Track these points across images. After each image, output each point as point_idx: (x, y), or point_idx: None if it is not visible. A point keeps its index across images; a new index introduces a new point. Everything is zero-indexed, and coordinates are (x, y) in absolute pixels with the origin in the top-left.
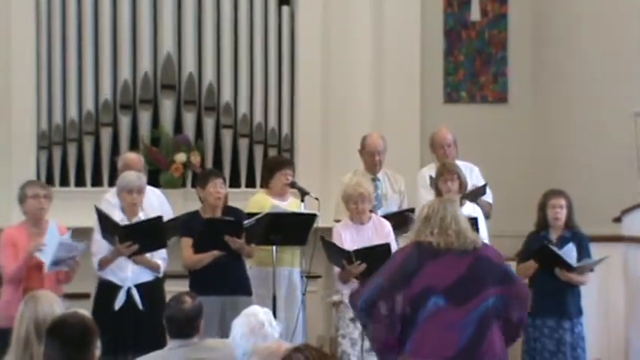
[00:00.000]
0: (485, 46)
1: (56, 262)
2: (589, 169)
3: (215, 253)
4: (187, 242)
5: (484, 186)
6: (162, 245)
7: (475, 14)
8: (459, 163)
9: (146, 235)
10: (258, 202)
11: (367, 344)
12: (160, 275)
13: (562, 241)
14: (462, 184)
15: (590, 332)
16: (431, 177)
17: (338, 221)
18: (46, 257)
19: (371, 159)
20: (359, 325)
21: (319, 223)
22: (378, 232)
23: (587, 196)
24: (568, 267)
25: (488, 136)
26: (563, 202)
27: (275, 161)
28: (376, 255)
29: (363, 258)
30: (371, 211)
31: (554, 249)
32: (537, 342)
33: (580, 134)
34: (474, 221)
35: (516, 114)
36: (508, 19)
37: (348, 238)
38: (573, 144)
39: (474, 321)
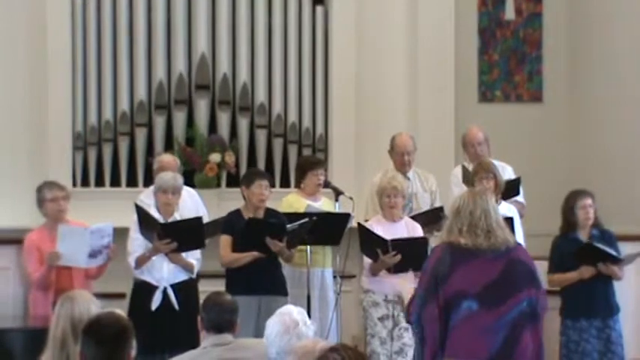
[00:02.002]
0: (520, 45)
1: (93, 254)
2: (624, 169)
3: (255, 254)
4: (227, 240)
5: (518, 179)
6: (201, 245)
7: (510, 13)
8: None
9: (185, 234)
10: (290, 203)
11: (396, 345)
12: (194, 276)
13: (592, 240)
14: (498, 184)
15: (627, 332)
16: (464, 167)
17: (367, 221)
18: (75, 261)
19: (400, 159)
20: (387, 324)
21: (353, 222)
22: (410, 232)
23: (622, 195)
24: (614, 260)
25: (523, 135)
26: (590, 201)
27: (307, 161)
28: (412, 248)
29: (399, 249)
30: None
31: (600, 245)
32: (581, 343)
33: (616, 133)
34: (509, 221)
35: (551, 113)
36: (543, 18)
37: (381, 235)
38: (609, 143)
39: (508, 324)
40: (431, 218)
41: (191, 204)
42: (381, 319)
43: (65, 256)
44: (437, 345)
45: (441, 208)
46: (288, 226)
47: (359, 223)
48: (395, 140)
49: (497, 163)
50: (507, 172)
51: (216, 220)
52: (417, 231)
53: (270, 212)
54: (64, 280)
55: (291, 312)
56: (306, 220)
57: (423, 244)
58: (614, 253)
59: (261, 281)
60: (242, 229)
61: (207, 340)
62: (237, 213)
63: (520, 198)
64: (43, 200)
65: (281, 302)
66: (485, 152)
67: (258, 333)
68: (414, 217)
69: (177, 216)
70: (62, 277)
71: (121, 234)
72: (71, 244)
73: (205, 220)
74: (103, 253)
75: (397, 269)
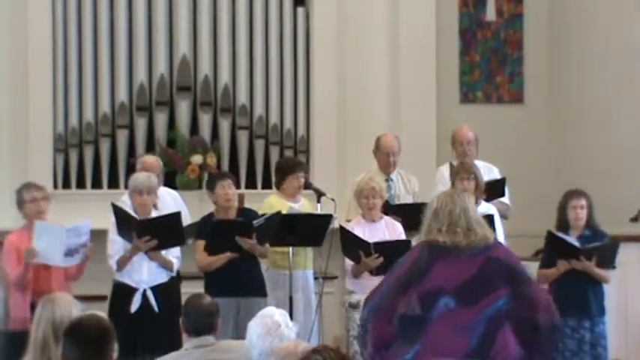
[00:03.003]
0: (501, 46)
1: (69, 253)
2: (605, 169)
3: (228, 255)
4: (201, 244)
5: (503, 180)
6: (181, 241)
7: (490, 14)
8: (479, 162)
9: (163, 231)
10: (272, 204)
11: None
12: (174, 274)
13: (583, 240)
14: (478, 185)
15: (608, 332)
16: (452, 164)
17: (349, 221)
18: (51, 258)
19: (385, 159)
20: None
21: (335, 223)
22: (390, 231)
23: (603, 196)
24: (575, 250)
25: (505, 136)
26: (584, 202)
27: (286, 164)
28: (396, 250)
29: (382, 252)
30: (386, 213)
31: (558, 234)
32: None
33: (596, 134)
34: (490, 218)
35: (532, 114)
36: (524, 19)
37: (360, 236)
38: (589, 143)
39: (484, 322)
40: (414, 221)
41: (173, 205)
42: None
43: (41, 253)
44: (381, 344)
45: (425, 204)
46: (254, 222)
47: (340, 226)
48: (380, 140)
49: (484, 164)
50: (493, 173)
51: (195, 223)
52: (398, 230)
53: (244, 212)
54: (43, 281)
55: (272, 314)
56: (273, 213)
57: (405, 246)
58: (575, 243)
59: (239, 282)
60: (210, 232)
61: (188, 342)
62: (210, 217)
63: (505, 199)
64: (22, 202)
65: (260, 303)
66: (472, 152)
67: (237, 334)
68: (397, 207)
69: (155, 215)
70: (41, 278)
71: (102, 236)
72: (47, 241)
73: (188, 221)
74: (80, 252)
75: (379, 272)
